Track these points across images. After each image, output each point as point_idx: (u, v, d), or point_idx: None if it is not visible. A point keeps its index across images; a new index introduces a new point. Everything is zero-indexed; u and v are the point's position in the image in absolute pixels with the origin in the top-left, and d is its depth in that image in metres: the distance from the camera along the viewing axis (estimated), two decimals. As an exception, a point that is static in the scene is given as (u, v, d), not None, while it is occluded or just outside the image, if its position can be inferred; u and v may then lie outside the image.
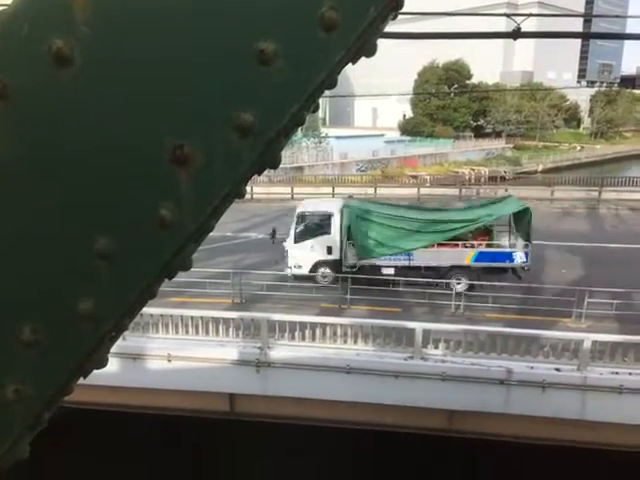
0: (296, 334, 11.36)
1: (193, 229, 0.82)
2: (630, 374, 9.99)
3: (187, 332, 11.80)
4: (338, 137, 57.70)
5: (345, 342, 11.24)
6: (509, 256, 15.43)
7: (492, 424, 10.71)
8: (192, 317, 11.86)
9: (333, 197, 30.57)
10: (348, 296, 14.27)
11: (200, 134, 0.78)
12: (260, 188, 29.94)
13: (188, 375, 11.19)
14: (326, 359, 10.87)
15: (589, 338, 10.21)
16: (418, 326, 10.74)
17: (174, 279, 0.88)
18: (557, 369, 10.24)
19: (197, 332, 11.77)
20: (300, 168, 45.57)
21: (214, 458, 12.80)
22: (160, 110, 0.78)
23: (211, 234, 0.90)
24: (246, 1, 0.75)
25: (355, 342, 11.21)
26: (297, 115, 0.81)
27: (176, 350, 11.33)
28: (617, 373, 10.04)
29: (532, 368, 10.28)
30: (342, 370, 10.70)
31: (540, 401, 10.13)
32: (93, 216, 0.81)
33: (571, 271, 17.27)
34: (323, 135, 55.35)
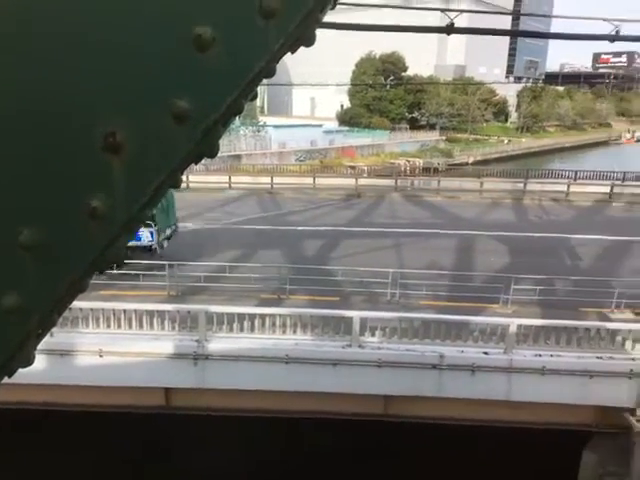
0: (234, 326, 11.25)
1: (126, 219, 0.78)
2: (551, 356, 10.67)
3: (119, 326, 11.38)
4: (276, 126, 57.31)
5: (284, 332, 11.27)
6: (135, 236, 16.24)
7: (426, 408, 11.13)
8: (125, 310, 11.45)
9: (272, 187, 30.47)
10: (287, 286, 14.30)
11: (133, 121, 0.75)
12: (196, 177, 29.27)
13: (121, 370, 10.83)
14: (265, 350, 10.86)
15: (514, 322, 10.79)
16: (356, 314, 10.94)
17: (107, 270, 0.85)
18: (485, 352, 10.76)
19: (130, 326, 11.38)
20: (238, 157, 44.96)
21: (152, 453, 12.50)
22: (90, 95, 0.74)
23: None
24: None
25: (294, 332, 11.26)
26: (235, 103, 0.79)
27: (108, 345, 10.91)
28: (540, 355, 10.69)
29: (462, 352, 10.75)
30: (281, 360, 10.73)
31: (470, 384, 10.62)
32: (17, 206, 0.76)
33: (499, 259, 18.16)
34: (261, 123, 54.81)
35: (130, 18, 0.72)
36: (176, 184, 0.84)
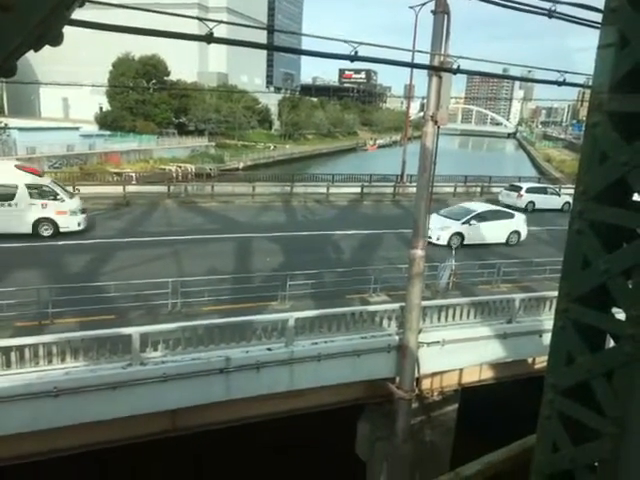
0: (-17, 364, 9.48)
1: None
2: (325, 342, 11.70)
3: None
4: (22, 128, 50.31)
5: (50, 362, 9.94)
6: None
7: (216, 413, 11.10)
8: None
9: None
10: (50, 310, 12.63)
11: None
12: None
13: None
14: (28, 386, 9.41)
15: (293, 316, 11.52)
16: (134, 331, 10.26)
17: None
18: (269, 349, 11.24)
19: None
20: (-28, 164, 37.92)
21: None
22: None
23: None
24: None
25: (63, 360, 10.02)
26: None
27: None
28: (316, 343, 11.62)
29: (247, 352, 11.02)
30: (49, 394, 9.44)
31: (256, 381, 10.96)
32: None
33: (274, 258, 19.15)
34: (2, 126, 47.29)
35: None
36: None
